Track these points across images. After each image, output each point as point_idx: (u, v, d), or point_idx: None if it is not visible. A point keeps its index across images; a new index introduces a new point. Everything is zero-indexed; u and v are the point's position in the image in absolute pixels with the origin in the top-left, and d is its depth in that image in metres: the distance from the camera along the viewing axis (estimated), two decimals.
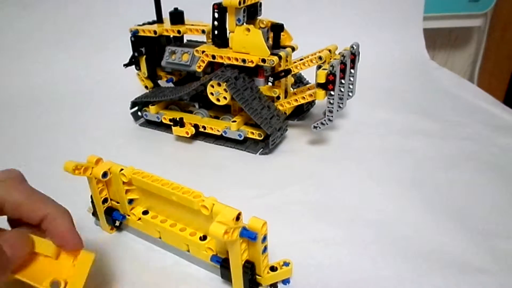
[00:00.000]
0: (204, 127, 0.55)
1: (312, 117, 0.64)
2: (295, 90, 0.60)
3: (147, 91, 0.63)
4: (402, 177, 0.47)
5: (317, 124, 0.52)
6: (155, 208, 0.36)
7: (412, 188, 0.45)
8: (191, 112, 0.58)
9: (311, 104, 0.65)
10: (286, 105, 0.55)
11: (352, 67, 0.54)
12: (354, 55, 0.53)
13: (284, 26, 0.54)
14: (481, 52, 1.10)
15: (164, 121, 0.58)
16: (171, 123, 0.55)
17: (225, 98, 0.51)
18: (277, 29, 0.53)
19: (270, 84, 0.55)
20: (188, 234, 0.34)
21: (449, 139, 0.56)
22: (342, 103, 0.53)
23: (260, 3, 0.53)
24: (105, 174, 0.34)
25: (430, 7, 0.96)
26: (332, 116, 0.51)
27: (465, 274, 0.34)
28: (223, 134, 0.53)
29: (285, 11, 0.70)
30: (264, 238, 0.29)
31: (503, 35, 1.06)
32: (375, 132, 0.59)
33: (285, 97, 0.56)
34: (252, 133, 0.53)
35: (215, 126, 0.54)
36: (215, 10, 0.51)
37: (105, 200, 0.37)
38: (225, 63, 0.52)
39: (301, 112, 0.63)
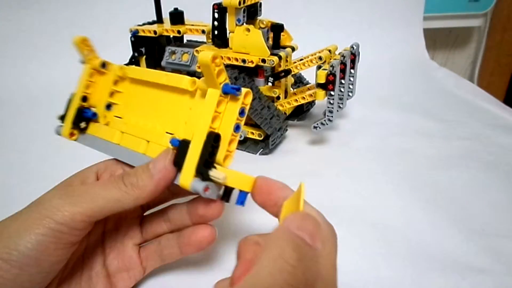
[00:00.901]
0: None
1: (312, 117, 0.64)
2: (295, 90, 0.60)
3: None
4: (402, 177, 0.48)
5: (317, 124, 0.52)
6: (130, 117, 0.34)
7: (412, 188, 0.45)
8: None
9: (311, 104, 0.65)
10: (286, 105, 0.55)
11: (352, 67, 0.54)
12: (354, 55, 0.53)
13: (284, 26, 0.54)
14: (481, 52, 1.09)
15: None
16: None
17: None
18: (277, 29, 0.53)
19: (270, 84, 0.55)
20: (154, 127, 0.31)
21: (449, 139, 0.56)
22: (342, 103, 0.53)
23: (260, 3, 0.53)
24: (104, 65, 0.34)
25: (430, 7, 0.96)
26: (332, 116, 0.51)
27: (465, 274, 0.34)
28: None
29: (285, 11, 0.70)
30: (242, 112, 0.26)
31: (503, 35, 1.06)
32: (375, 132, 0.59)
33: (285, 97, 0.56)
34: (252, 133, 0.53)
35: None
36: (215, 10, 0.51)
37: (84, 99, 0.35)
38: (225, 63, 0.52)
39: (301, 112, 0.63)
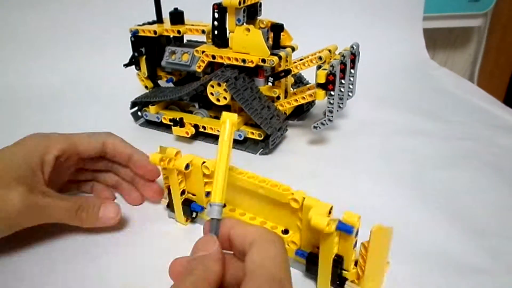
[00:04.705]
0: (204, 127, 0.55)
1: (312, 117, 0.64)
2: (295, 90, 0.60)
3: (147, 91, 0.63)
4: (402, 177, 0.48)
5: (317, 124, 0.52)
6: (232, 202, 0.37)
7: (412, 188, 0.45)
8: (191, 112, 0.58)
9: (311, 104, 0.65)
10: (286, 105, 0.55)
11: (352, 67, 0.54)
12: (354, 55, 0.53)
13: (284, 26, 0.54)
14: (481, 52, 1.09)
15: (164, 121, 0.58)
16: (171, 123, 0.55)
17: (225, 98, 0.51)
18: (277, 29, 0.53)
19: (270, 84, 0.55)
20: (269, 227, 0.34)
21: (449, 139, 0.56)
22: (342, 103, 0.53)
23: (260, 3, 0.53)
24: (187, 166, 0.35)
25: (430, 7, 0.96)
26: (332, 116, 0.51)
27: (465, 274, 0.34)
28: None
29: (285, 11, 0.70)
30: (357, 233, 0.29)
31: (503, 35, 1.06)
32: (375, 132, 0.59)
33: (285, 97, 0.56)
34: (252, 133, 0.53)
35: (215, 126, 0.54)
36: (215, 10, 0.51)
37: (182, 192, 0.38)
38: (225, 63, 0.52)
39: (301, 112, 0.63)
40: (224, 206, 0.36)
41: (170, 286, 0.23)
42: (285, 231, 0.33)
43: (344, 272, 0.31)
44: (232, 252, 0.26)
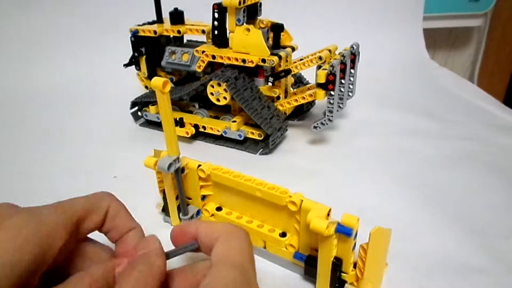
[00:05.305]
0: (204, 127, 0.55)
1: (312, 117, 0.64)
2: (295, 90, 0.60)
3: (147, 91, 0.63)
4: (402, 177, 0.47)
5: (317, 124, 0.52)
6: (228, 205, 0.37)
7: (412, 188, 0.45)
8: (191, 112, 0.58)
9: (311, 104, 0.65)
10: (286, 105, 0.55)
11: (352, 67, 0.54)
12: (354, 55, 0.53)
13: (284, 26, 0.54)
14: (481, 52, 1.10)
15: None
16: None
17: (225, 98, 0.51)
18: (277, 29, 0.53)
19: (270, 84, 0.55)
20: (267, 230, 0.34)
21: (449, 139, 0.56)
22: (342, 103, 0.53)
23: (260, 3, 0.53)
24: (182, 170, 0.35)
25: (430, 7, 0.96)
26: (332, 116, 0.51)
27: (465, 274, 0.34)
28: (223, 134, 0.53)
29: (285, 11, 0.70)
30: (356, 235, 0.29)
31: (503, 35, 1.06)
32: (375, 132, 0.59)
33: (285, 97, 0.56)
34: (252, 133, 0.53)
35: (215, 126, 0.54)
36: (215, 10, 0.51)
37: (177, 196, 0.37)
38: (225, 63, 0.52)
39: (301, 112, 0.63)
40: (220, 209, 0.37)
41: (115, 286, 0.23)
42: (283, 234, 0.33)
43: (343, 274, 0.31)
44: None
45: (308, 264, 0.32)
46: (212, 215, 0.37)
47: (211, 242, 0.25)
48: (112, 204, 0.28)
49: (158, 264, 0.24)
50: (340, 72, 0.49)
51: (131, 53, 0.60)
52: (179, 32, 0.57)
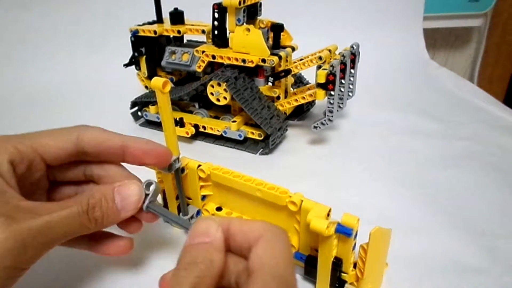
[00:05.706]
0: (204, 127, 0.55)
1: (312, 117, 0.64)
2: (295, 90, 0.60)
3: (147, 91, 0.63)
4: (402, 177, 0.48)
5: (317, 124, 0.52)
6: (228, 205, 0.37)
7: (412, 188, 0.45)
8: (191, 112, 0.58)
9: (311, 104, 0.65)
10: (286, 105, 0.55)
11: (352, 67, 0.54)
12: (354, 55, 0.53)
13: (284, 26, 0.54)
14: (481, 52, 1.09)
15: None
16: None
17: (225, 98, 0.51)
18: (277, 29, 0.53)
19: (270, 84, 0.55)
20: None
21: (449, 139, 0.56)
22: (342, 103, 0.53)
23: (260, 3, 0.53)
24: (182, 170, 0.35)
25: (430, 7, 0.96)
26: (332, 116, 0.51)
27: (465, 274, 0.34)
28: (223, 134, 0.53)
29: (285, 11, 0.70)
30: (356, 235, 0.29)
31: (503, 35, 1.06)
32: (375, 132, 0.59)
33: (285, 97, 0.56)
34: (252, 133, 0.53)
35: (215, 126, 0.54)
36: (215, 10, 0.51)
37: (177, 196, 0.37)
38: (225, 63, 0.52)
39: (301, 112, 0.63)
40: (220, 209, 0.37)
41: (172, 272, 0.20)
42: None
43: (343, 274, 0.31)
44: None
45: (308, 264, 0.32)
46: (212, 215, 0.37)
47: (248, 242, 0.21)
48: (86, 130, 0.29)
49: (218, 265, 0.21)
50: (340, 72, 0.49)
51: (131, 53, 0.60)
52: (179, 32, 0.57)
